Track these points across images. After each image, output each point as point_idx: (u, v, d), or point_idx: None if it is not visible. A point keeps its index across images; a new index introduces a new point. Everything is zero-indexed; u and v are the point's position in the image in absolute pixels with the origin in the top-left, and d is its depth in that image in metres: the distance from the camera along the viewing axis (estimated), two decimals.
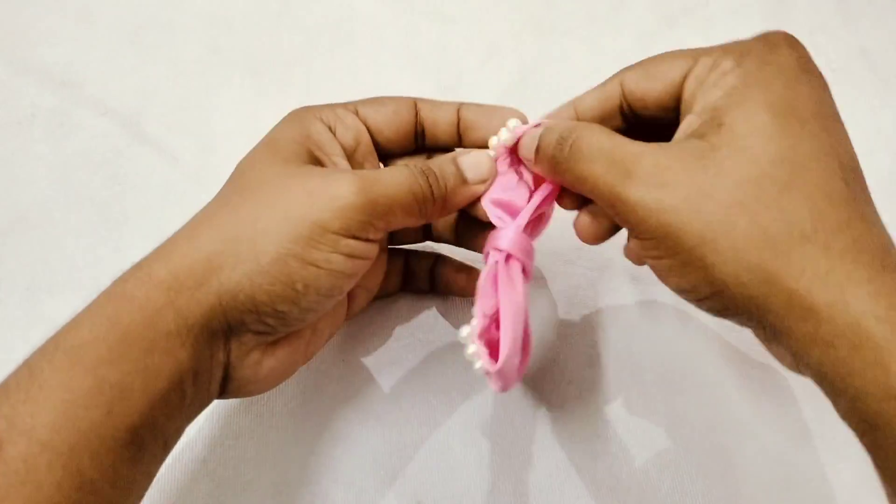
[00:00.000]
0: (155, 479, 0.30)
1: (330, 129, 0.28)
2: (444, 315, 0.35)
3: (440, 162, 0.27)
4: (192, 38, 0.42)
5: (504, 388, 0.26)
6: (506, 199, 0.28)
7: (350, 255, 0.25)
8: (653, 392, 0.33)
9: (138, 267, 0.24)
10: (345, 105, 0.29)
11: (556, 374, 0.33)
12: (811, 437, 0.33)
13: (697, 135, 0.22)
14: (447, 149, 0.30)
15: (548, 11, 0.44)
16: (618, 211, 0.23)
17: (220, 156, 0.39)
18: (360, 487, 0.31)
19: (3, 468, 0.20)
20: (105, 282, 0.35)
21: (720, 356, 0.34)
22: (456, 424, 0.32)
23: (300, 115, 0.29)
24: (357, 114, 0.29)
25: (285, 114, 0.42)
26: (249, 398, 0.32)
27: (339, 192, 0.24)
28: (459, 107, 0.30)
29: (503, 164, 0.28)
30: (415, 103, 0.30)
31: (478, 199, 0.28)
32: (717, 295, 0.21)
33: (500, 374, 0.25)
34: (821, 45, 0.44)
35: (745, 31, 0.46)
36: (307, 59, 0.42)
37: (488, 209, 0.28)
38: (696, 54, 0.24)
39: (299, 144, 0.27)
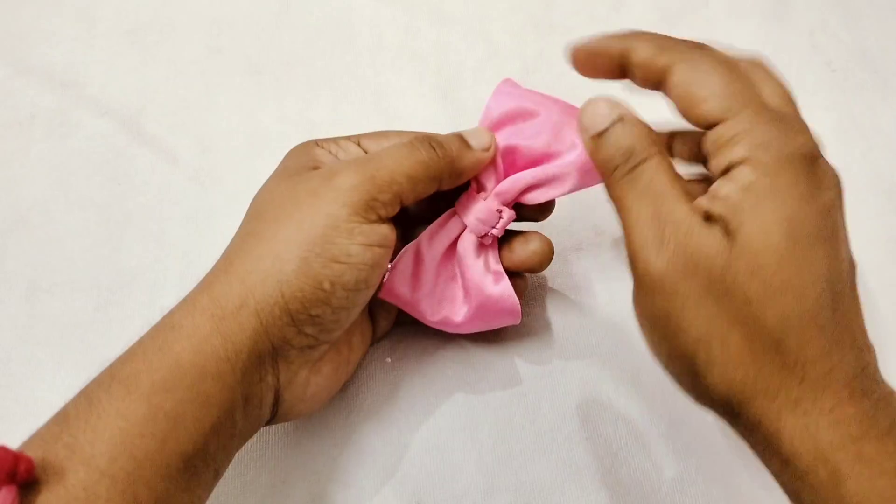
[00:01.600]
0: None
1: (333, 155, 0.29)
2: None
3: (442, 135, 0.29)
4: (192, 38, 0.42)
5: (387, 297, 0.30)
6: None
7: (367, 244, 0.25)
8: (653, 392, 0.33)
9: (184, 300, 0.25)
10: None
11: (556, 373, 0.33)
12: None
13: (718, 232, 0.22)
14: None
15: (548, 11, 0.44)
16: (631, 254, 0.24)
17: (220, 156, 0.39)
18: (360, 487, 0.31)
19: (66, 494, 0.20)
20: (105, 282, 0.36)
21: None
22: (456, 424, 0.32)
23: (304, 146, 0.30)
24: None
25: (285, 114, 0.42)
26: None
27: (338, 181, 0.26)
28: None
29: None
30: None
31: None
32: (696, 389, 0.23)
33: (385, 288, 0.29)
34: (821, 45, 0.44)
35: (745, 30, 0.46)
36: (307, 59, 0.42)
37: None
38: (727, 105, 0.23)
39: (305, 166, 0.28)
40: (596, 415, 0.32)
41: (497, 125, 0.29)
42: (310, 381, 0.27)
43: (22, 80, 0.41)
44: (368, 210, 0.25)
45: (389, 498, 0.30)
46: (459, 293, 0.30)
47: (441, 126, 0.40)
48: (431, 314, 0.30)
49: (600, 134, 0.25)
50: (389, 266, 0.29)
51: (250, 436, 0.26)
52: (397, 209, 0.27)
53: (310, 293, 0.25)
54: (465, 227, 0.30)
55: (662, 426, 0.32)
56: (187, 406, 0.23)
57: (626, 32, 0.27)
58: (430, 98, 0.41)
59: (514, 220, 0.30)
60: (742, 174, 0.22)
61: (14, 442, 0.22)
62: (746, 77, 0.24)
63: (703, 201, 0.23)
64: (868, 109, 0.42)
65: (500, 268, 0.30)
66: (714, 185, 0.23)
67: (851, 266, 0.23)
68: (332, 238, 0.25)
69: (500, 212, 0.29)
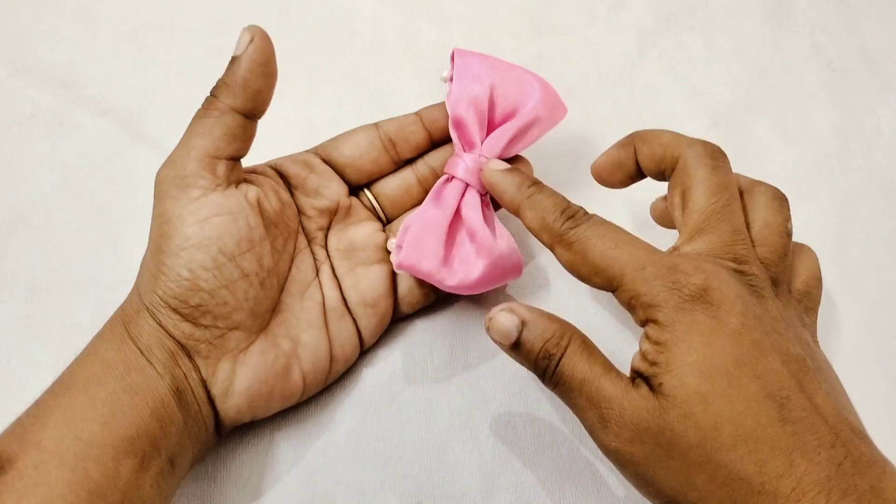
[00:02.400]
0: None
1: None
2: (443, 314, 0.35)
3: None
4: (192, 38, 0.42)
5: (405, 269, 0.30)
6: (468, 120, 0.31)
7: (201, 220, 0.26)
8: None
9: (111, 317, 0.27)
10: (302, 154, 0.32)
11: None
12: None
13: (646, 392, 0.23)
14: (423, 154, 0.33)
15: (548, 11, 0.44)
16: (590, 435, 0.25)
17: None
18: (360, 487, 0.31)
19: (19, 475, 0.22)
20: (105, 282, 0.36)
21: None
22: (456, 424, 0.32)
23: None
24: (319, 156, 0.32)
25: (285, 113, 0.42)
26: None
27: (159, 174, 0.27)
28: (420, 114, 0.33)
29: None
30: (376, 126, 0.32)
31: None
32: None
33: (402, 263, 0.30)
34: (821, 45, 0.44)
35: (745, 30, 0.46)
36: (307, 59, 0.42)
37: (452, 133, 0.31)
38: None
39: None
40: None
41: (474, 105, 0.31)
42: (236, 373, 0.27)
43: (22, 80, 0.41)
44: (187, 188, 0.26)
45: (389, 498, 0.30)
46: (472, 254, 0.31)
47: None
48: (450, 279, 0.30)
49: (515, 344, 0.25)
50: (395, 240, 0.31)
51: (204, 432, 0.27)
52: (222, 171, 0.27)
53: (176, 286, 0.25)
54: (464, 190, 0.31)
55: None
56: (121, 395, 0.24)
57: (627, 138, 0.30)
58: (430, 98, 0.41)
59: None
60: (651, 331, 0.24)
61: None
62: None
63: (634, 361, 0.25)
64: (868, 109, 0.42)
65: (500, 224, 0.31)
66: (640, 340, 0.25)
67: (800, 359, 0.23)
68: (169, 230, 0.26)
69: None
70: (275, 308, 0.29)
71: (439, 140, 0.33)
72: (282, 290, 0.29)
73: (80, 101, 0.40)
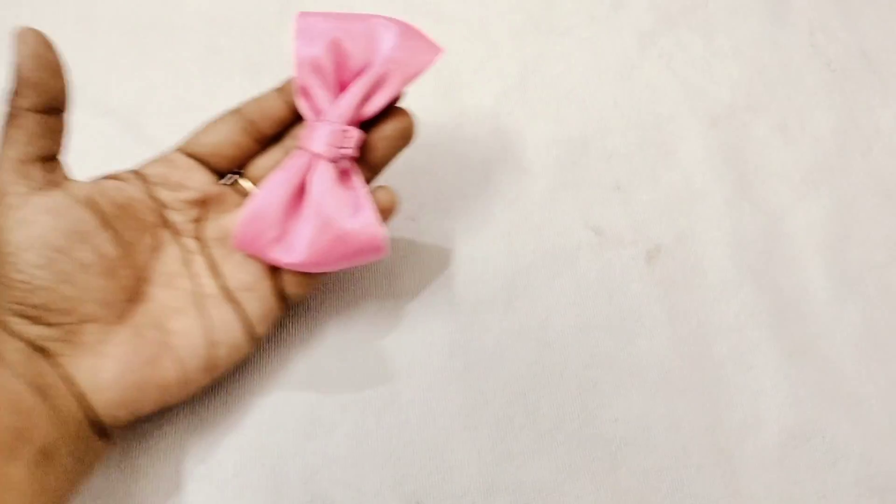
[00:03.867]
0: (155, 480, 0.30)
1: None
2: (443, 314, 0.35)
3: None
4: (192, 38, 0.42)
5: (239, 248, 0.30)
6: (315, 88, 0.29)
7: (26, 222, 0.26)
8: (653, 392, 0.33)
9: None
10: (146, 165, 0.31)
11: (556, 374, 0.33)
12: (810, 437, 0.33)
13: None
14: (287, 129, 0.32)
15: (548, 11, 0.44)
16: None
17: None
18: (360, 487, 0.31)
19: None
20: None
21: (719, 357, 0.34)
22: (456, 424, 0.32)
23: None
24: (182, 151, 0.31)
25: None
26: (249, 403, 0.32)
27: None
28: (281, 88, 0.31)
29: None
30: (237, 110, 0.31)
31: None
32: None
33: (237, 236, 0.29)
34: (821, 45, 0.44)
35: (746, 30, 0.46)
36: None
37: (299, 103, 0.30)
38: None
39: None
40: (596, 415, 0.32)
41: (314, 68, 0.29)
42: (99, 366, 0.27)
43: None
44: (4, 198, 0.26)
45: (389, 498, 0.30)
46: (311, 230, 0.29)
47: (441, 126, 0.40)
48: (286, 256, 0.29)
49: None
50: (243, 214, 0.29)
51: (85, 428, 0.26)
52: (37, 175, 0.27)
53: (15, 291, 0.25)
54: (311, 162, 0.29)
55: (662, 426, 0.32)
56: None
57: None
58: (430, 98, 0.41)
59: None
60: None
61: None
62: None
63: None
64: (868, 109, 0.42)
65: (364, 199, 0.29)
66: None
67: None
68: None
69: (345, 131, 0.29)
70: (135, 298, 0.29)
71: None
72: (141, 280, 0.29)
73: (80, 101, 0.40)
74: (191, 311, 0.29)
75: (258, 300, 0.30)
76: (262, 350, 0.33)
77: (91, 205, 0.28)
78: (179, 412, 0.32)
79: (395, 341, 0.34)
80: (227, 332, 0.30)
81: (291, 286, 0.31)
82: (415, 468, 0.31)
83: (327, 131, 0.29)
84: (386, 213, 0.31)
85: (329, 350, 0.33)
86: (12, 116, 0.26)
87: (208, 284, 0.30)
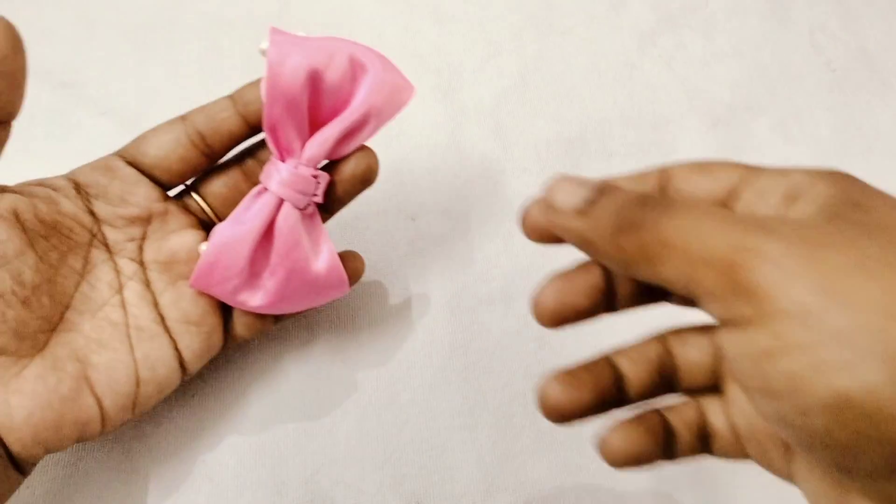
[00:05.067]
0: (155, 481, 0.30)
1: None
2: (443, 314, 0.35)
3: None
4: (192, 38, 0.42)
5: (198, 288, 0.28)
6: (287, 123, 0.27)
7: None
8: None
9: None
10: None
11: None
12: None
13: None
14: (238, 142, 0.29)
15: (548, 11, 0.44)
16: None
17: None
18: (360, 487, 0.31)
19: None
20: None
21: None
22: (456, 424, 0.32)
23: None
24: (125, 158, 0.28)
25: None
26: (249, 404, 0.32)
27: None
28: (233, 97, 0.28)
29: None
30: (183, 118, 0.28)
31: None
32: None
33: (197, 278, 0.27)
34: (821, 45, 0.44)
35: (745, 31, 0.46)
36: None
37: (266, 138, 0.27)
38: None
39: None
40: None
41: (288, 106, 0.26)
42: (11, 402, 0.24)
43: None
44: None
45: (389, 498, 0.30)
46: (279, 273, 0.28)
47: (441, 126, 0.40)
48: (252, 300, 0.28)
49: (593, 202, 0.19)
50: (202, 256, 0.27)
51: (4, 465, 0.25)
52: None
53: None
54: (279, 204, 0.27)
55: None
56: None
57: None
58: (430, 98, 0.41)
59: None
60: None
61: None
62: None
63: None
64: (868, 109, 0.42)
65: (323, 237, 0.28)
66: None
67: None
68: None
69: (315, 177, 0.27)
70: (55, 328, 0.26)
71: (257, 124, 0.28)
72: (64, 307, 0.26)
73: (80, 101, 0.40)
74: (117, 344, 0.26)
75: (200, 335, 0.28)
76: (262, 350, 0.33)
77: (14, 221, 0.25)
78: (179, 412, 0.32)
79: (395, 341, 0.34)
80: (158, 369, 0.27)
81: (242, 328, 0.29)
82: (415, 468, 0.31)
83: (296, 177, 0.27)
84: (354, 278, 0.30)
85: (329, 350, 0.33)
86: None
87: (142, 315, 0.27)
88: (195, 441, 0.31)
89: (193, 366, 0.28)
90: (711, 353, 0.22)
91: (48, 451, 0.25)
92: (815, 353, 0.15)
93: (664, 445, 0.22)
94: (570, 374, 0.22)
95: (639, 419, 0.22)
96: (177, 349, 0.28)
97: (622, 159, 0.39)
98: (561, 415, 0.22)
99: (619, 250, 0.18)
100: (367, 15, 0.43)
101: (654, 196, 0.19)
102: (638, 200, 0.18)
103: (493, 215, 0.37)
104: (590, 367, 0.23)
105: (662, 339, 0.23)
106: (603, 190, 0.19)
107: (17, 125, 0.40)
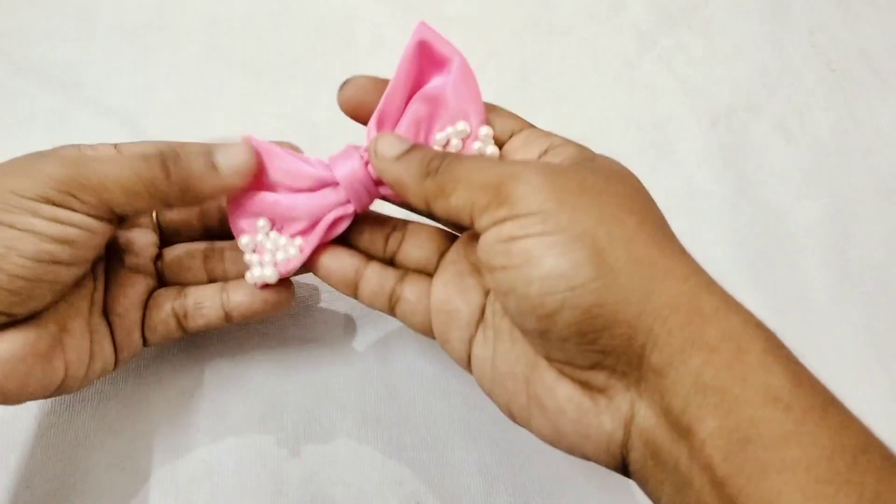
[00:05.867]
0: (155, 480, 0.30)
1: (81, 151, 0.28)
2: None
3: (189, 149, 0.27)
4: (192, 38, 0.42)
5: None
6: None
7: (54, 220, 0.25)
8: None
9: None
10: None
11: None
12: None
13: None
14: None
15: (548, 11, 0.44)
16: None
17: None
18: (360, 487, 0.31)
19: None
20: None
21: None
22: (456, 424, 0.32)
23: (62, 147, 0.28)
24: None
25: (285, 113, 0.42)
26: (249, 404, 0.32)
27: (43, 166, 0.25)
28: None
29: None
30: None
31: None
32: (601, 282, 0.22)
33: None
34: (821, 45, 0.44)
35: (745, 31, 0.46)
36: (307, 59, 0.42)
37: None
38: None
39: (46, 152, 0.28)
40: None
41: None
42: None
43: (22, 80, 0.41)
44: (62, 197, 0.25)
45: (389, 498, 0.30)
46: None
47: None
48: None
49: (406, 152, 0.25)
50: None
51: None
52: (107, 211, 0.26)
53: None
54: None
55: None
56: None
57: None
58: None
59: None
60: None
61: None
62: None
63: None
64: (868, 109, 0.42)
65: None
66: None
67: None
68: (12, 208, 0.24)
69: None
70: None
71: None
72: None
73: (80, 101, 0.40)
74: (86, 314, 0.28)
75: (122, 328, 0.29)
76: (261, 350, 0.33)
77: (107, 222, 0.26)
78: (179, 412, 0.32)
79: (396, 341, 0.34)
80: (104, 346, 0.28)
81: (154, 334, 0.30)
82: (415, 468, 0.31)
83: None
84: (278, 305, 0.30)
85: (329, 350, 0.33)
86: None
87: (99, 290, 0.29)
88: (195, 440, 0.31)
89: (121, 356, 0.29)
90: (437, 247, 0.29)
91: (3, 403, 0.26)
92: (545, 238, 0.22)
93: (352, 281, 0.29)
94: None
95: (345, 248, 0.29)
96: (112, 332, 0.29)
97: (622, 159, 0.39)
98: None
99: (422, 188, 0.25)
100: (367, 15, 0.43)
101: (450, 152, 0.26)
102: (439, 154, 0.25)
103: None
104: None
105: (406, 221, 0.30)
106: (415, 145, 0.26)
107: (17, 125, 0.40)
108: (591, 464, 0.31)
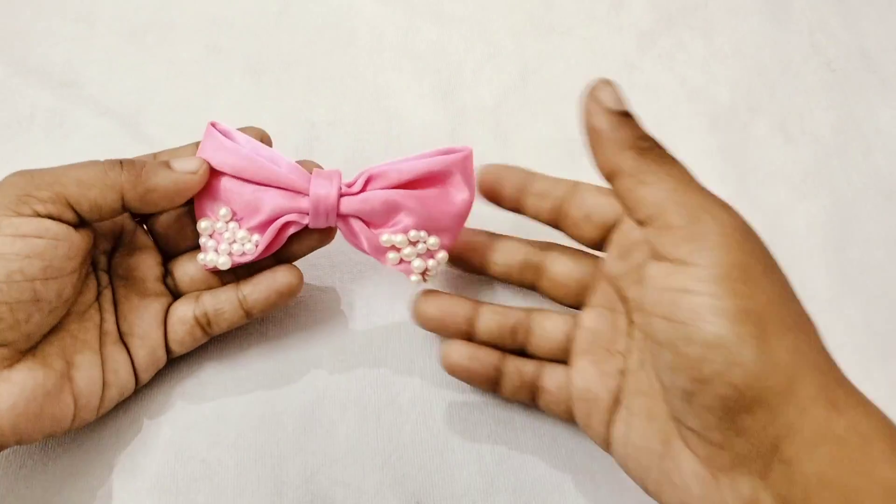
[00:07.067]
0: (155, 480, 0.30)
1: None
2: None
3: (142, 158, 0.29)
4: (192, 38, 0.42)
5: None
6: None
7: (16, 235, 0.25)
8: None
9: None
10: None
11: None
12: None
13: None
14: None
15: (548, 11, 0.44)
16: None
17: None
18: (360, 487, 0.31)
19: None
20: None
21: None
22: (455, 424, 0.32)
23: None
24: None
25: (285, 113, 0.42)
26: (249, 404, 0.32)
27: (3, 181, 0.26)
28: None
29: None
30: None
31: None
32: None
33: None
34: (821, 45, 0.44)
35: (745, 31, 0.46)
36: (307, 59, 0.42)
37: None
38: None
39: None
40: None
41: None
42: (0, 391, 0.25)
43: (22, 80, 0.41)
44: (20, 205, 0.25)
45: (389, 498, 0.30)
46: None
47: (441, 126, 0.40)
48: None
49: (623, 113, 0.23)
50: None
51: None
52: (67, 211, 0.26)
53: None
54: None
55: None
56: None
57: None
58: (430, 98, 0.41)
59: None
60: None
61: None
62: None
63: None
64: (868, 109, 0.42)
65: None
66: None
67: None
68: None
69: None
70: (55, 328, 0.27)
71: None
72: (68, 311, 0.28)
73: (79, 101, 0.40)
74: (96, 346, 0.28)
75: (144, 349, 0.30)
76: (261, 350, 0.33)
77: (85, 241, 0.27)
78: (179, 412, 0.32)
79: (396, 341, 0.34)
80: (120, 373, 0.29)
81: (177, 345, 0.30)
82: (415, 468, 0.31)
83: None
84: (289, 294, 0.31)
85: (329, 350, 0.33)
86: None
87: (110, 321, 0.29)
88: (195, 440, 0.31)
89: (142, 375, 0.30)
90: (565, 331, 0.30)
91: (19, 442, 0.26)
92: (717, 303, 0.21)
93: (492, 377, 0.30)
94: (438, 295, 0.31)
95: (480, 346, 0.30)
96: (130, 356, 0.29)
97: None
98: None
99: (619, 156, 0.23)
100: (367, 15, 0.43)
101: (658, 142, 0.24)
102: (651, 136, 0.23)
103: (494, 215, 0.37)
104: (454, 299, 0.31)
105: (528, 310, 0.31)
106: (631, 112, 0.24)
107: (17, 125, 0.40)
108: (592, 464, 0.31)
